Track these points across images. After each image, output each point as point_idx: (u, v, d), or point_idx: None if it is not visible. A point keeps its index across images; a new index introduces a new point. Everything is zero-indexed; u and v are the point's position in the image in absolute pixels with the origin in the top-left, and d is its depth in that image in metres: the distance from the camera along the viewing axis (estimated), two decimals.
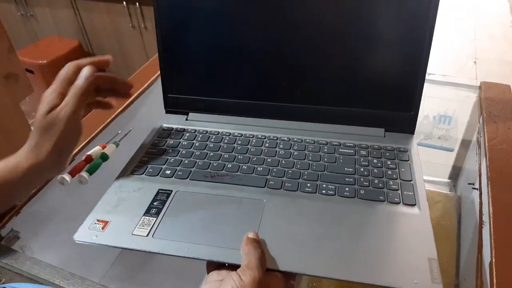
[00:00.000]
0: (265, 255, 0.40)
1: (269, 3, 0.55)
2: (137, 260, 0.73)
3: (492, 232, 0.45)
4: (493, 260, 0.42)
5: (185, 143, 0.58)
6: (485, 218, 0.48)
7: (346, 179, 0.50)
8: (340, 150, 0.55)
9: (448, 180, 0.78)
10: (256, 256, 0.38)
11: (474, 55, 2.82)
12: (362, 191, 0.48)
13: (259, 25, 0.57)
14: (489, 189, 0.50)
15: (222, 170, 0.53)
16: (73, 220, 0.47)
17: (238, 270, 0.37)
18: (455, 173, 0.77)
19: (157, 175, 0.52)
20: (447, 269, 0.62)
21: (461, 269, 0.60)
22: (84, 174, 0.55)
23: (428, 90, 0.73)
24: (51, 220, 0.59)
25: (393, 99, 0.56)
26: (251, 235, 0.42)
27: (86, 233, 0.45)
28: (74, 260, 0.60)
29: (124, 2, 2.07)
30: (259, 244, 0.40)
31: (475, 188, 0.55)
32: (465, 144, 0.72)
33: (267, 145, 0.57)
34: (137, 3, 2.04)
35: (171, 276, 0.69)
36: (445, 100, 0.72)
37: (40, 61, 2.06)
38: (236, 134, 0.59)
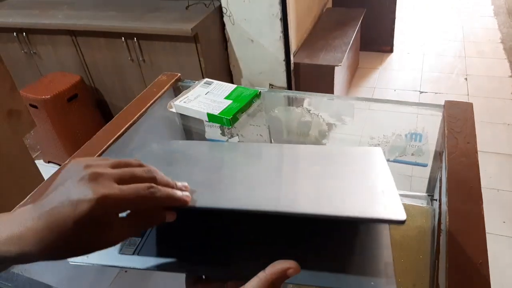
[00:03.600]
0: None
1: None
2: (134, 281, 0.77)
3: (447, 240, 0.49)
4: (447, 266, 0.46)
5: None
6: (443, 226, 0.52)
7: None
8: None
9: (425, 194, 0.82)
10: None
11: (465, 72, 2.89)
12: None
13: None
14: (447, 199, 0.54)
15: None
16: None
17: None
18: (431, 187, 0.81)
19: None
20: (423, 277, 0.66)
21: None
22: None
23: (398, 111, 0.79)
24: None
25: None
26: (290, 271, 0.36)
27: None
28: (72, 282, 0.65)
29: (123, 38, 2.17)
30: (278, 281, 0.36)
31: (434, 200, 0.59)
32: (436, 159, 0.76)
33: None
34: (135, 38, 2.14)
35: None
36: (415, 119, 0.77)
37: (43, 96, 2.14)
38: None
